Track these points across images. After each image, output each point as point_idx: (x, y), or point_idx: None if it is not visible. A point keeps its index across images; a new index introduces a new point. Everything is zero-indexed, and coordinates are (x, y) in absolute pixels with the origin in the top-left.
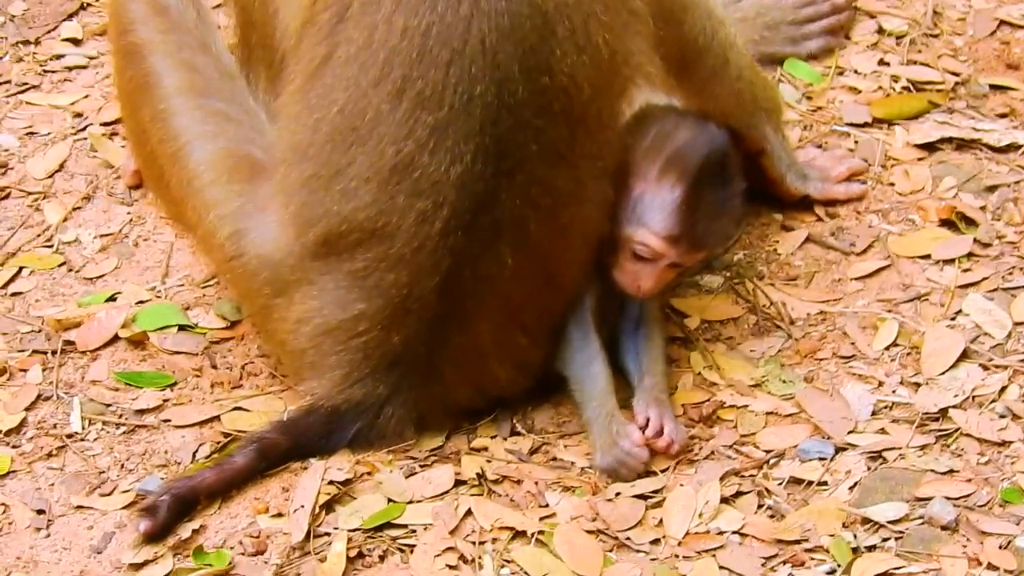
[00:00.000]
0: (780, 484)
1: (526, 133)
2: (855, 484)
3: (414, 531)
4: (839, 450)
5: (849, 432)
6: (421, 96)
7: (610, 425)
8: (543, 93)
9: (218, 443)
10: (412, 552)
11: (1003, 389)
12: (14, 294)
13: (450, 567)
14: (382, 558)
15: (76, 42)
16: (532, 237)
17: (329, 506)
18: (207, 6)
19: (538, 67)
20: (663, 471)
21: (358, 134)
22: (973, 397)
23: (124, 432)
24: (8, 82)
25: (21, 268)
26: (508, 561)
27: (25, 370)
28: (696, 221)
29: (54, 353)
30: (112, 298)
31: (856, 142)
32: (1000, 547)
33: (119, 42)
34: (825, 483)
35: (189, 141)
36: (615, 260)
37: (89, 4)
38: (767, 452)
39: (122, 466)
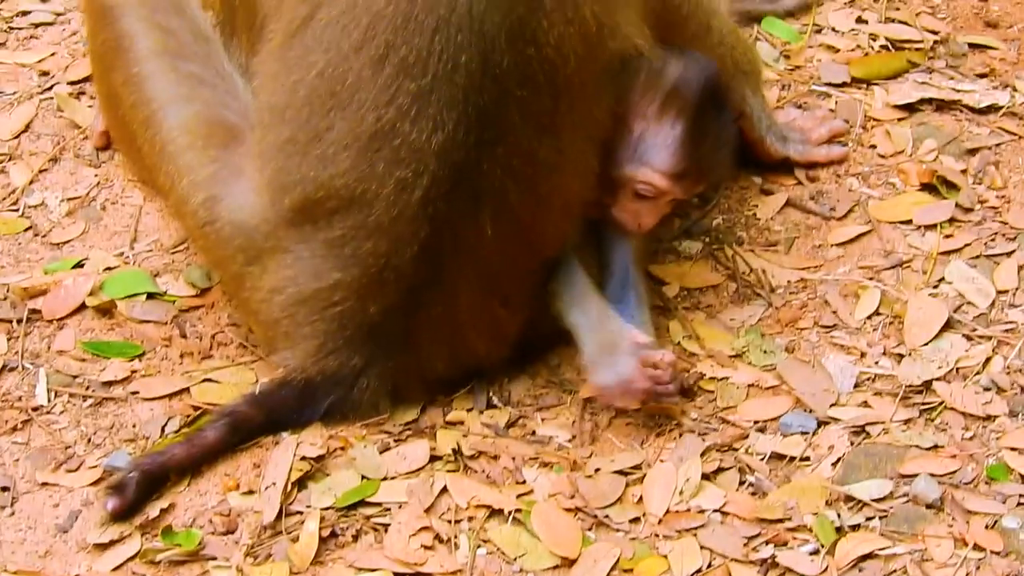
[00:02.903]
0: (762, 459)
1: (509, 103)
2: (838, 460)
3: (388, 509)
4: (821, 424)
5: (831, 405)
6: (404, 63)
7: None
8: (528, 63)
9: (188, 416)
10: (386, 531)
11: (987, 361)
12: None
13: (425, 547)
14: (356, 537)
15: None
16: (512, 207)
17: (301, 483)
18: None
19: (524, 37)
20: (643, 445)
21: (338, 99)
22: (957, 369)
23: (91, 405)
24: None
25: None
26: (485, 541)
27: None
28: (699, 155)
29: (19, 322)
30: (79, 264)
31: (836, 102)
32: (987, 527)
33: (91, 4)
34: (807, 458)
35: (162, 106)
36: (615, 200)
37: None
38: (748, 426)
39: (89, 440)
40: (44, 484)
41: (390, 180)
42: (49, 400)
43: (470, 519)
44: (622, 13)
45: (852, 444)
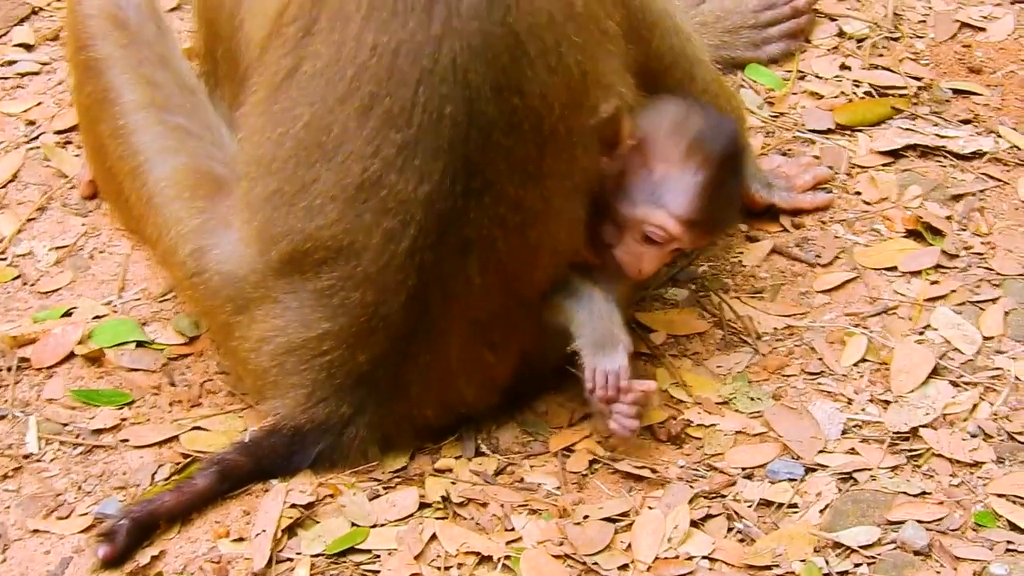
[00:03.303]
0: (750, 507)
1: (495, 152)
2: (826, 507)
3: (378, 556)
4: (809, 471)
5: (819, 452)
6: (389, 114)
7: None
8: (513, 113)
9: (177, 464)
10: None
11: (974, 407)
12: None
13: None
14: None
15: (28, 47)
16: (500, 255)
17: (291, 530)
18: (167, 20)
19: (509, 87)
20: (630, 491)
21: (324, 150)
22: (944, 415)
23: (81, 452)
24: None
25: None
26: None
27: None
28: (713, 206)
29: (9, 370)
30: (68, 313)
31: (820, 149)
32: (974, 573)
33: (78, 57)
34: (795, 505)
35: (149, 157)
36: (620, 240)
37: (41, 9)
38: (736, 473)
39: (79, 488)
40: (35, 531)
41: (377, 231)
42: (39, 448)
43: (460, 566)
44: (605, 62)
45: (840, 491)
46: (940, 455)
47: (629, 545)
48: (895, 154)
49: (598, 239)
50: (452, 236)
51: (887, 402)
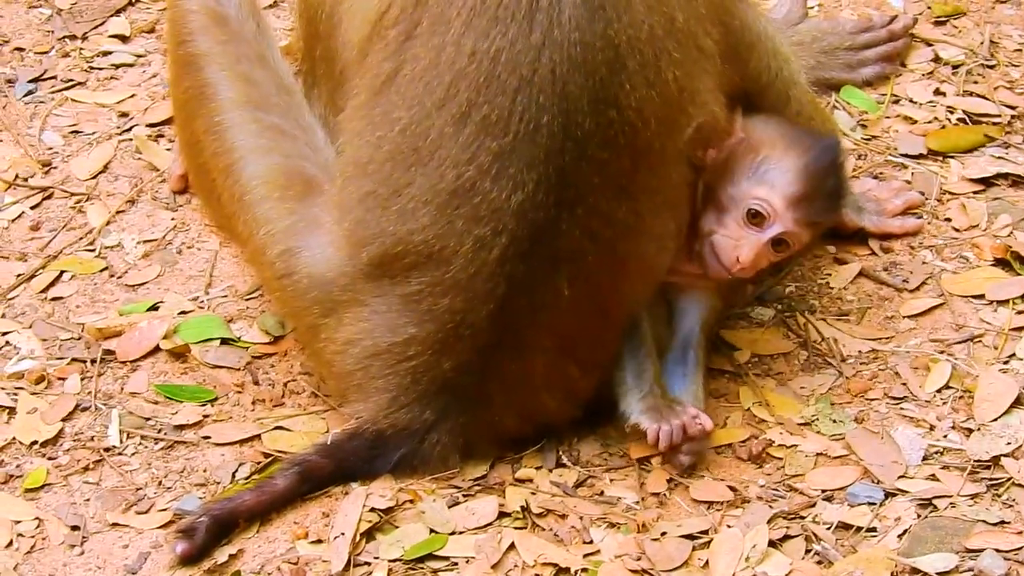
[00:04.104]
0: (828, 529)
1: (590, 165)
2: (904, 532)
3: (456, 564)
4: (889, 495)
5: (899, 477)
6: (486, 121)
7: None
8: (609, 126)
9: (258, 463)
10: None
11: None
12: (54, 299)
13: None
14: None
15: (123, 39)
16: (589, 268)
17: (370, 534)
18: (267, 19)
19: (606, 100)
20: (709, 509)
21: (419, 155)
22: None
23: (163, 448)
24: (54, 77)
25: (62, 272)
26: None
27: (63, 379)
28: (816, 190)
29: (93, 362)
30: (154, 307)
31: (912, 174)
32: None
33: (177, 52)
34: (874, 529)
35: (243, 155)
36: (721, 223)
37: (137, 0)
38: (815, 495)
39: (160, 483)
40: (114, 525)
41: (468, 238)
42: (121, 441)
43: None
44: (701, 79)
45: (919, 517)
46: (1021, 485)
47: (707, 563)
48: (986, 182)
49: (695, 233)
50: (543, 247)
51: (969, 430)
